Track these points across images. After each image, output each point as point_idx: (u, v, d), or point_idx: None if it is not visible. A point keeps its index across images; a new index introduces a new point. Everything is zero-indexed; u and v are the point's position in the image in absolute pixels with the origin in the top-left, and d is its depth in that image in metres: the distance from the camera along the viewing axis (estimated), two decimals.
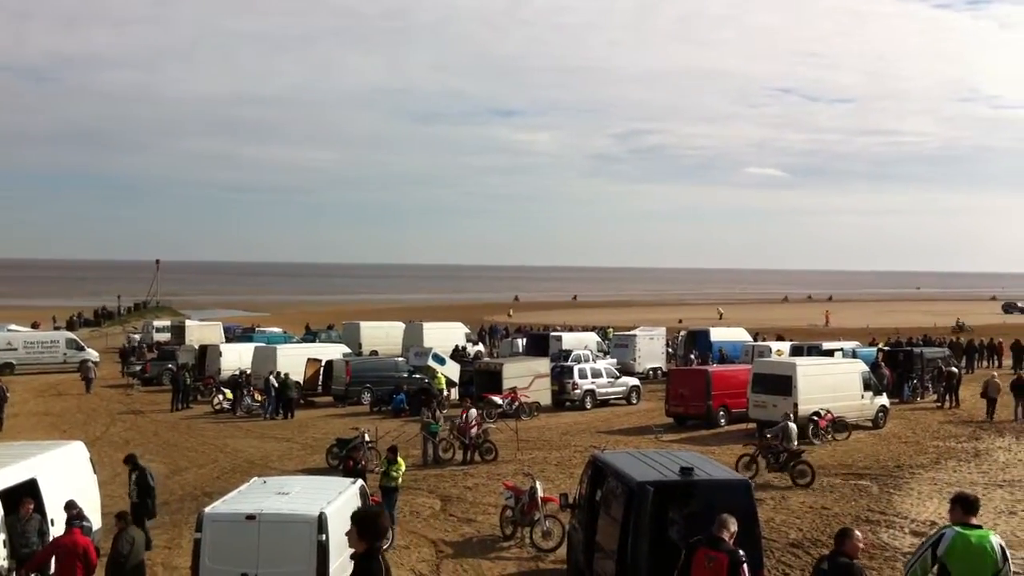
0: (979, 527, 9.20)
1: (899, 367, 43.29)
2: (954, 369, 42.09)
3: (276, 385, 39.50)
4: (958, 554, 8.94)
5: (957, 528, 9.13)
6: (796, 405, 32.06)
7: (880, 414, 35.05)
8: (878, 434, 33.52)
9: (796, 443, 26.16)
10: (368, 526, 7.37)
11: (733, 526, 10.34)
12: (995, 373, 42.76)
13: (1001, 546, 9.08)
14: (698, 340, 59.87)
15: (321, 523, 13.21)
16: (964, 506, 9.31)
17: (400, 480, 21.18)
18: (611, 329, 72.18)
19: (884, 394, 36.35)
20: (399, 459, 21.33)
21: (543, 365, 42.05)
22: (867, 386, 34.91)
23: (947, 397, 40.48)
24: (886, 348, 50.25)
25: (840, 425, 32.22)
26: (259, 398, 40.36)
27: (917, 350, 46.58)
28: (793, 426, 26.72)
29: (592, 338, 59.65)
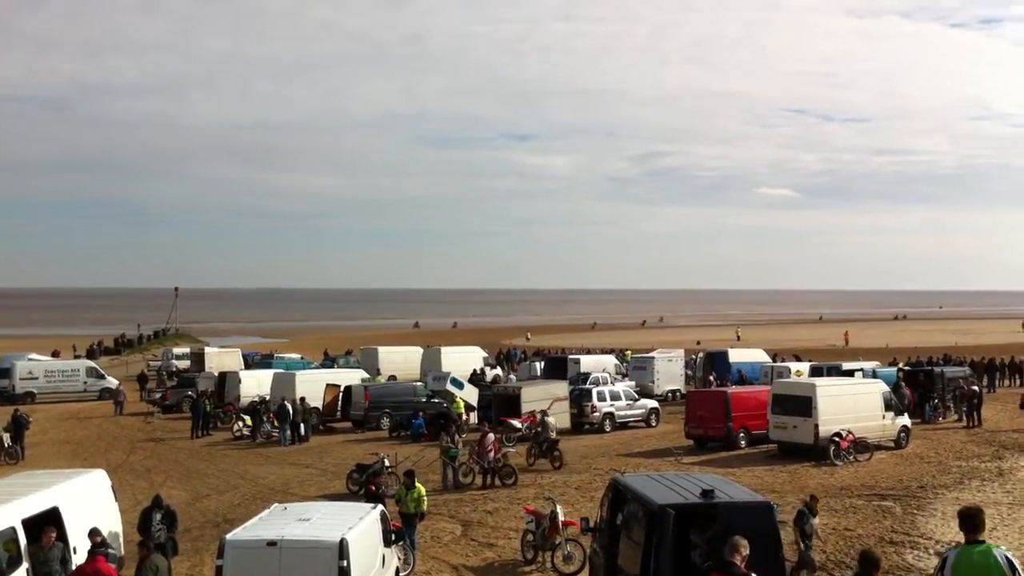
0: (982, 542, 9.11)
1: (920, 387, 43.03)
2: (975, 388, 41.81)
3: (291, 411, 39.57)
4: (962, 573, 8.87)
5: (960, 547, 9.07)
6: (817, 426, 31.93)
7: (902, 434, 34.81)
8: (900, 454, 33.29)
9: (554, 434, 32.81)
10: None
11: (745, 549, 10.18)
12: None
13: (1007, 558, 8.97)
14: (717, 361, 59.66)
15: (342, 549, 13.20)
16: (965, 523, 9.24)
17: (421, 505, 21.07)
18: (629, 351, 72.03)
19: (905, 414, 36.12)
20: (417, 484, 21.30)
21: (562, 388, 41.95)
22: (888, 406, 34.68)
23: (970, 416, 40.21)
24: (907, 368, 49.93)
25: (862, 446, 32.02)
26: (278, 424, 40.42)
27: (938, 370, 46.32)
28: (551, 420, 33.87)
29: (610, 361, 59.54)
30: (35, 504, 15.68)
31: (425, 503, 21.40)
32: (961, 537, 9.36)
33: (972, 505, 10.00)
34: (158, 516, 18.74)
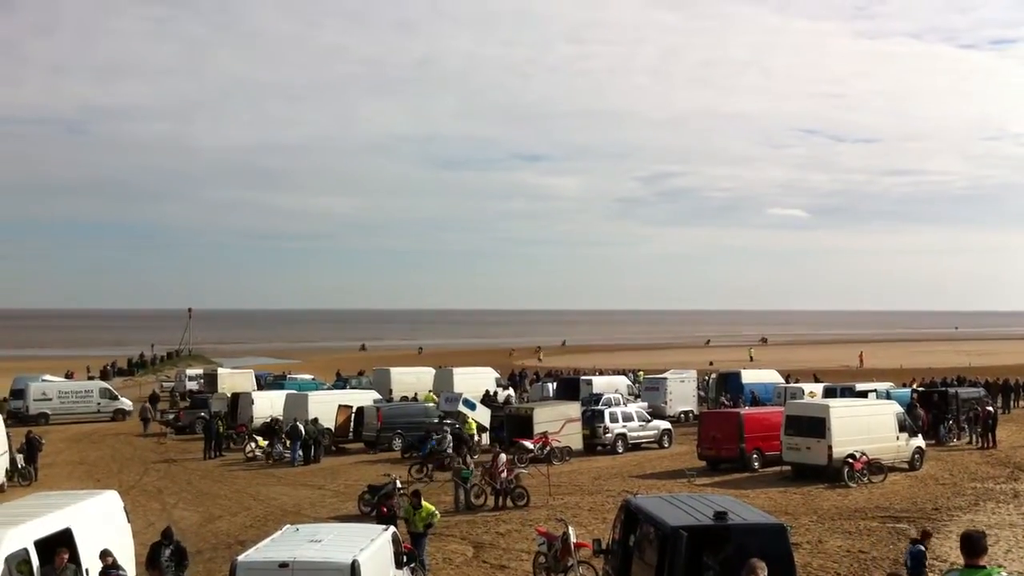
0: (983, 567, 9.02)
1: (934, 408, 42.83)
2: (991, 409, 41.60)
3: (302, 431, 39.73)
4: None
5: (965, 571, 8.96)
6: (830, 447, 31.78)
7: (916, 456, 34.64)
8: (914, 476, 33.11)
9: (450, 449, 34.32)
10: None
11: (763, 571, 10.13)
12: None
13: None
14: (729, 382, 59.51)
15: (354, 570, 13.18)
16: (967, 546, 9.13)
17: (432, 519, 21.06)
18: (642, 372, 71.90)
19: (920, 435, 35.95)
20: (424, 503, 21.29)
21: (574, 409, 41.88)
22: (902, 427, 34.53)
23: (984, 437, 39.98)
24: (920, 389, 49.72)
25: (876, 467, 31.85)
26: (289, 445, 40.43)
27: (952, 390, 46.11)
28: (448, 434, 35.93)
29: (623, 382, 59.40)
30: (48, 525, 15.72)
31: (437, 518, 21.42)
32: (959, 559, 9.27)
33: (975, 529, 9.90)
34: (167, 552, 17.83)
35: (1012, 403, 56.04)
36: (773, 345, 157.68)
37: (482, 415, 42.80)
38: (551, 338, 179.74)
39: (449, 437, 36.09)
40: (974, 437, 41.13)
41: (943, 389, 48.12)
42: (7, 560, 14.27)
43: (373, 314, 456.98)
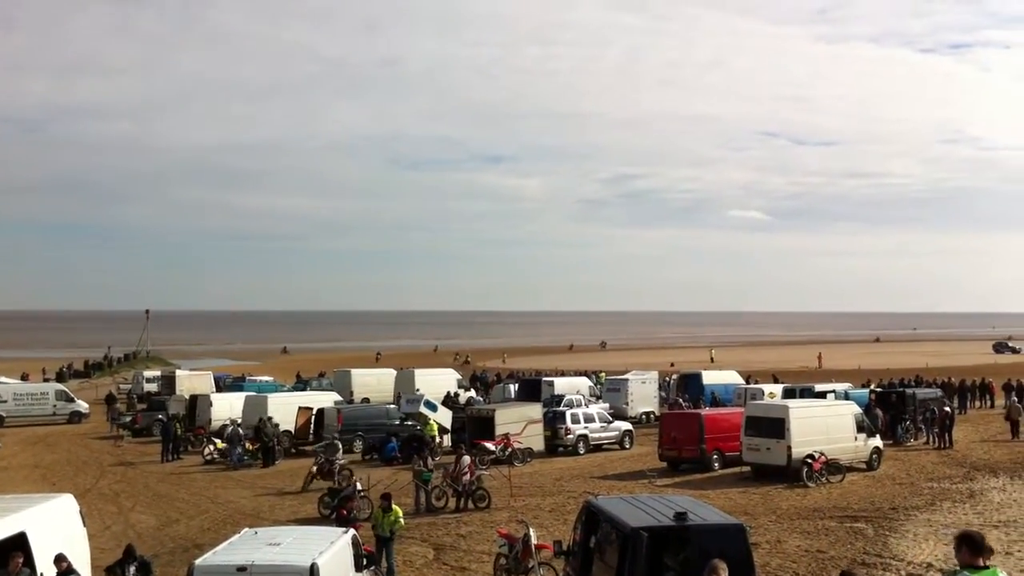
0: (987, 567, 9.03)
1: (892, 408, 43.28)
2: (948, 409, 42.09)
3: (240, 434, 40.18)
4: None
5: (967, 572, 8.95)
6: (790, 448, 32.02)
7: (874, 456, 34.97)
8: (872, 476, 33.42)
9: (342, 458, 33.53)
10: None
11: (724, 572, 10.20)
12: (1015, 398, 45.44)
13: None
14: (690, 383, 59.81)
15: (313, 574, 13.07)
16: (970, 546, 9.12)
17: (396, 525, 20.96)
18: (603, 373, 72.09)
19: (878, 436, 36.30)
20: (395, 507, 21.17)
21: (535, 411, 41.88)
22: (860, 428, 34.83)
23: (941, 438, 40.46)
24: (878, 389, 50.23)
25: (834, 467, 32.12)
26: (250, 447, 40.10)
27: (909, 391, 46.62)
28: (338, 443, 34.92)
29: (584, 383, 59.52)
30: (1, 530, 15.46)
31: (400, 525, 21.32)
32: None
33: (975, 530, 9.90)
34: (131, 569, 16.95)
35: (968, 404, 56.71)
36: (733, 346, 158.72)
37: (443, 417, 42.69)
38: (515, 340, 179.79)
39: (339, 445, 35.12)
40: (931, 437, 41.65)
41: (900, 390, 48.63)
42: None
43: (337, 315, 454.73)
